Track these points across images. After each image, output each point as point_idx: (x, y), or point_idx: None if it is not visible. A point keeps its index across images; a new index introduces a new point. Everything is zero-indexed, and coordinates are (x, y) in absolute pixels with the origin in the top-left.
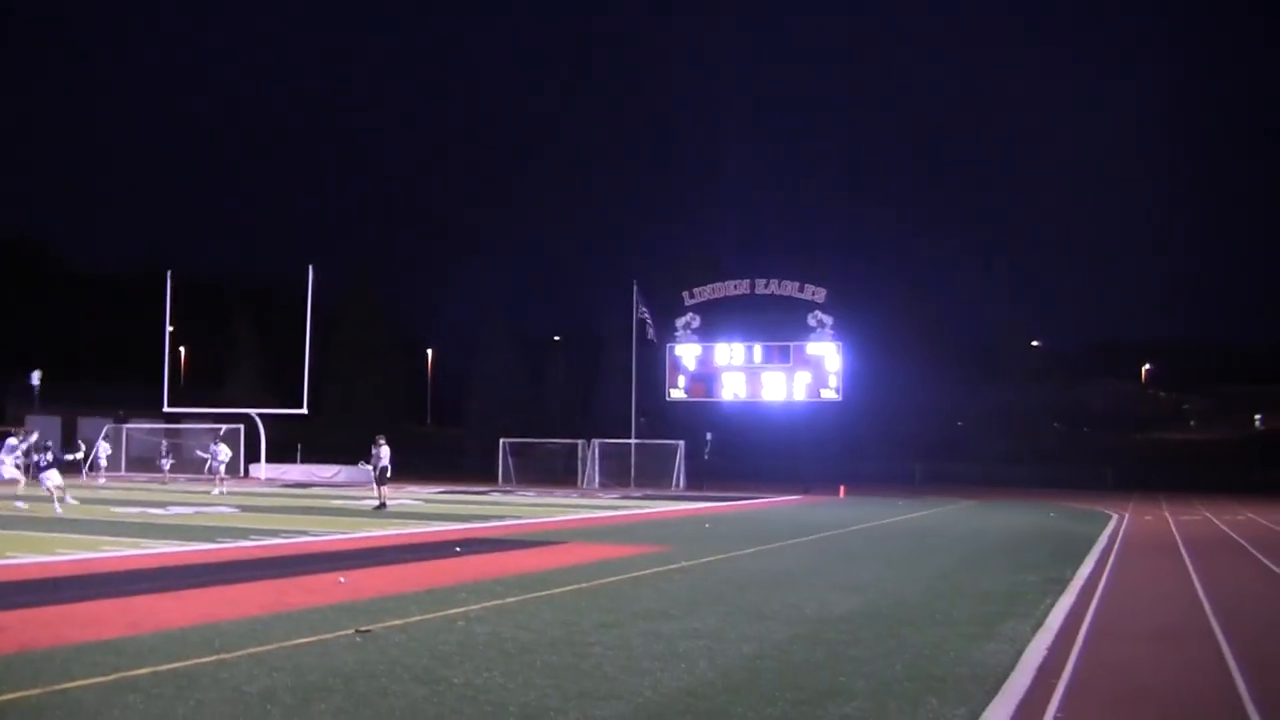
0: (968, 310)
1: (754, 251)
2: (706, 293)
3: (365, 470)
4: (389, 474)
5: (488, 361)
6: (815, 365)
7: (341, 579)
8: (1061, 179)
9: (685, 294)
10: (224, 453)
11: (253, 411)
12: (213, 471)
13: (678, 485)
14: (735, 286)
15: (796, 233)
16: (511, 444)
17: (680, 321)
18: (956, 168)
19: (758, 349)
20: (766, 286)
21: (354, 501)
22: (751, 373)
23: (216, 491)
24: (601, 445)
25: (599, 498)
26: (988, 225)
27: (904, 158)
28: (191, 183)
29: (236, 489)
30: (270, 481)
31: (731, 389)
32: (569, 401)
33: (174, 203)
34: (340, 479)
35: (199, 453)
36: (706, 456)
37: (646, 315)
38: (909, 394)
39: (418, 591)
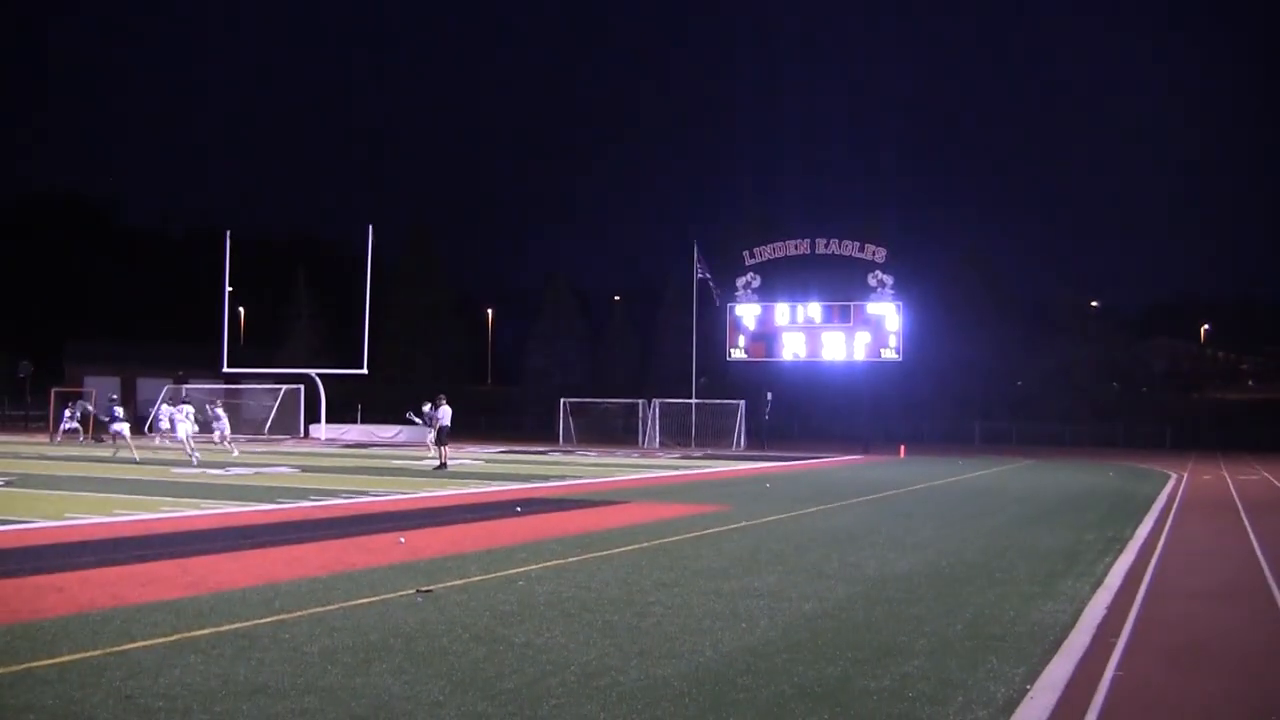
0: (1027, 269)
1: (814, 211)
2: (767, 252)
3: (423, 430)
4: (448, 432)
5: (548, 321)
6: (875, 325)
7: (401, 539)
8: (1124, 136)
9: (746, 254)
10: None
11: (312, 372)
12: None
13: (738, 445)
14: (795, 246)
15: (856, 192)
16: (572, 404)
17: (740, 281)
18: (1017, 125)
19: (817, 309)
20: (826, 246)
21: (414, 462)
22: (811, 332)
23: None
24: (662, 405)
25: (659, 457)
26: (1048, 183)
27: (966, 115)
28: (253, 140)
29: (297, 448)
30: (330, 442)
31: (791, 349)
32: (629, 361)
33: (235, 161)
34: (401, 439)
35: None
36: (766, 416)
37: (707, 275)
38: (968, 354)
39: (477, 551)
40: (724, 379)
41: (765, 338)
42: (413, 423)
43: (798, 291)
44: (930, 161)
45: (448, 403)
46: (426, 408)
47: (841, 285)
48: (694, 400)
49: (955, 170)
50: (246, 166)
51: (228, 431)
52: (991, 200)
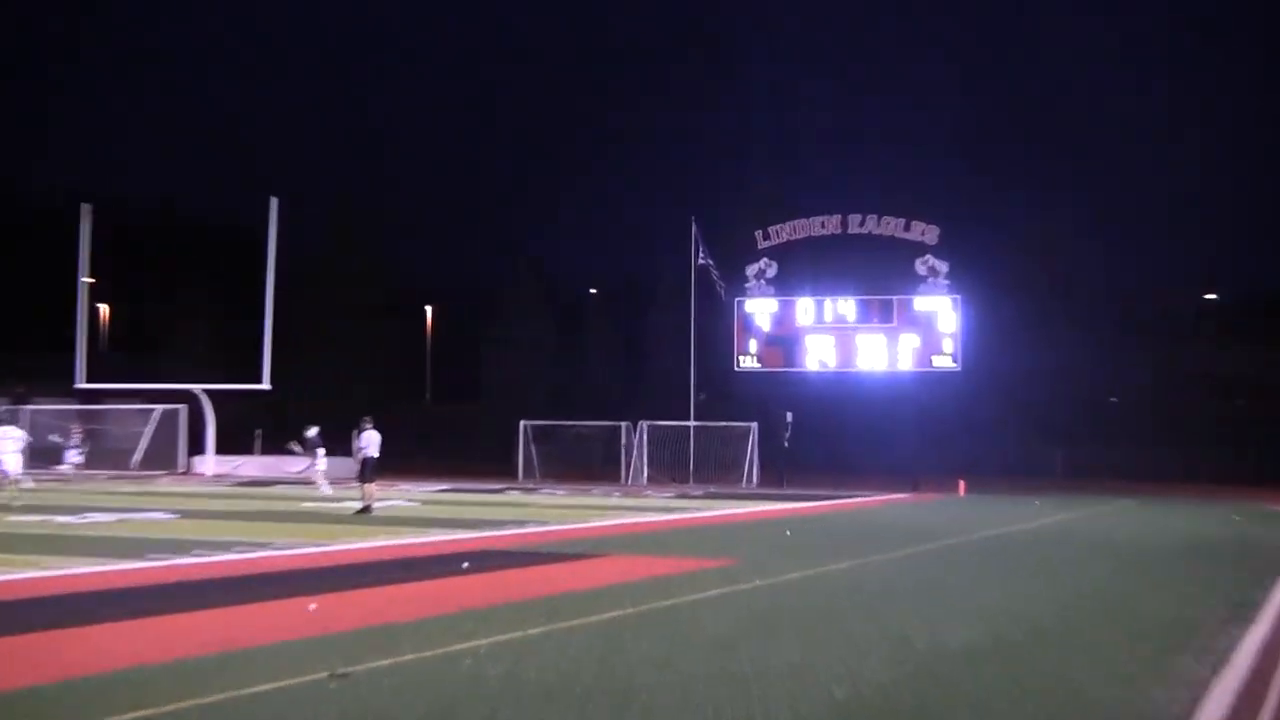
0: (1123, 255)
1: (846, 181)
2: (785, 232)
3: (336, 460)
4: (375, 467)
5: (506, 322)
6: (925, 325)
7: (311, 606)
8: (1238, 100)
9: (759, 234)
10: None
11: (197, 388)
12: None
13: (749, 480)
14: (823, 224)
15: (900, 157)
16: (535, 427)
17: (752, 269)
18: (1098, 83)
19: (851, 305)
20: (862, 224)
21: (330, 504)
22: (843, 335)
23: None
24: (651, 429)
25: (648, 496)
26: (1141, 154)
27: (1032, 69)
28: (126, 94)
29: (175, 488)
30: (221, 478)
31: (817, 356)
32: (609, 373)
33: (99, 118)
34: (316, 473)
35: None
36: (786, 443)
37: (709, 262)
38: (1047, 362)
39: (411, 622)
40: (731, 395)
41: (784, 342)
42: (292, 453)
43: (825, 282)
44: (994, 120)
45: (374, 427)
46: (311, 432)
47: (882, 274)
48: (692, 422)
49: (1025, 129)
50: (115, 123)
51: (13, 470)
52: (1070, 170)
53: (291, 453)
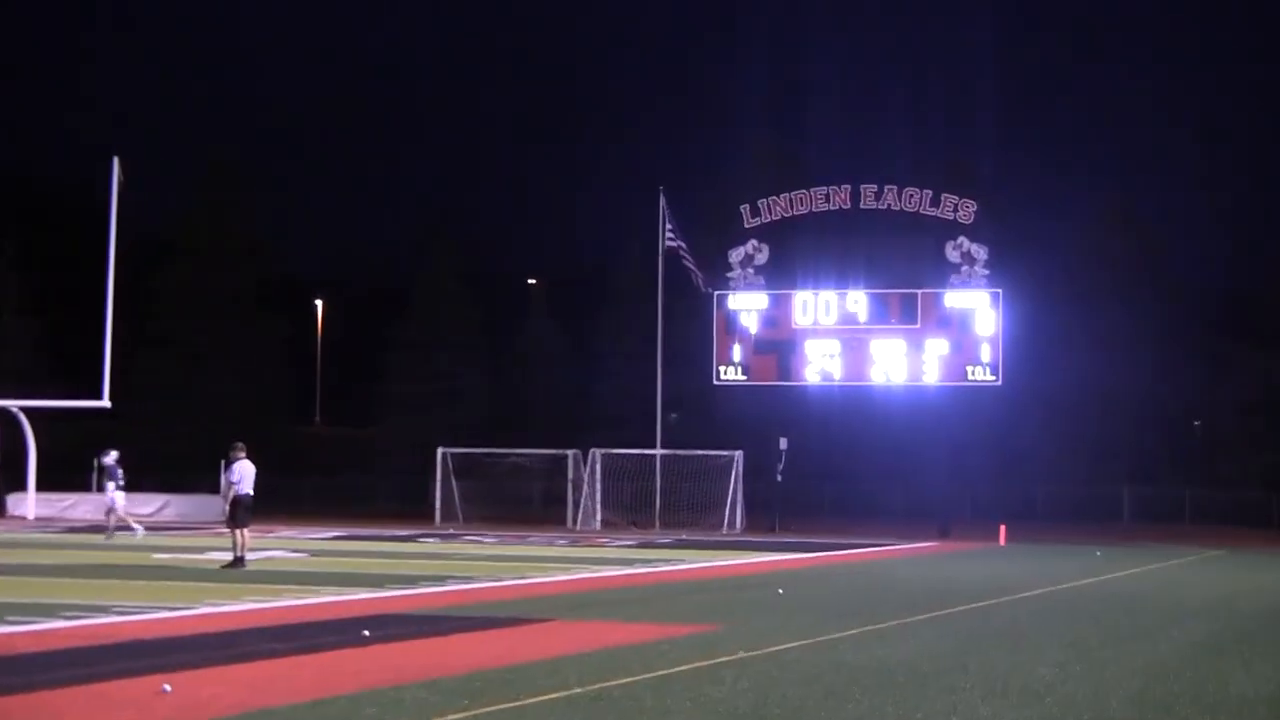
0: (1214, 242)
1: (857, 145)
2: (780, 207)
3: (195, 499)
4: (249, 507)
5: (420, 319)
6: (958, 326)
7: (166, 687)
8: None
9: (745, 210)
10: None
11: (12, 405)
12: None
13: (732, 525)
14: (827, 197)
15: (927, 116)
16: (458, 456)
17: (736, 255)
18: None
19: (863, 300)
20: (879, 198)
21: (190, 556)
22: (853, 339)
23: None
24: (607, 459)
25: (602, 545)
26: (1234, 100)
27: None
28: None
29: None
30: (45, 522)
31: (819, 366)
32: (554, 386)
33: None
34: (169, 514)
35: None
36: (780, 477)
37: (680, 244)
38: (1113, 376)
39: (296, 705)
40: (710, 415)
41: (776, 348)
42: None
43: (831, 271)
44: (1043, 71)
45: (249, 456)
46: (108, 458)
47: (904, 261)
48: (659, 451)
49: (1086, 83)
50: None
51: None
52: (1150, 135)
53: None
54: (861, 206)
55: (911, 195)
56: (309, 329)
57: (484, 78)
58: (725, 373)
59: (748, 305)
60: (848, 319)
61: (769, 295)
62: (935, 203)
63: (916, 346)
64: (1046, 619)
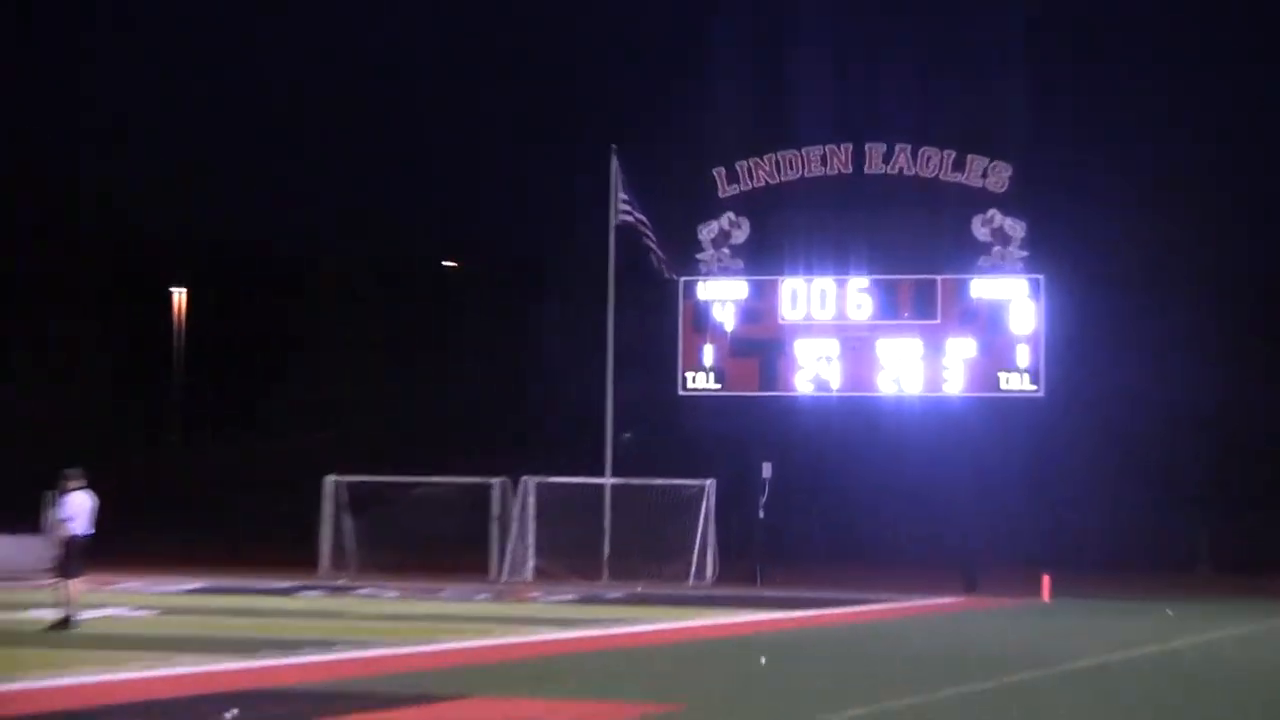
0: None
1: (862, 98)
2: (764, 172)
3: (14, 542)
4: (85, 552)
5: (307, 313)
6: (988, 323)
7: None
8: None
9: (720, 175)
10: None
11: None
12: None
13: (700, 573)
14: (824, 159)
15: (949, 57)
16: (353, 486)
17: (709, 231)
18: None
19: (868, 289)
20: (889, 161)
21: (4, 615)
22: (856, 338)
23: None
24: (543, 490)
25: (535, 600)
26: None
27: None
28: None
29: None
30: None
31: (813, 371)
32: (477, 398)
33: None
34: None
35: None
36: (763, 513)
37: (637, 217)
38: (1187, 387)
39: None
40: (673, 434)
41: (759, 348)
42: None
43: (827, 253)
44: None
45: (87, 486)
46: None
47: (920, 241)
48: (609, 480)
49: (1149, 18)
50: None
51: None
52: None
53: None
54: (866, 171)
55: (929, 157)
56: (164, 323)
57: (384, 21)
58: (693, 380)
59: (723, 295)
60: (849, 313)
61: (749, 283)
62: (959, 166)
63: (935, 348)
64: (1101, 700)
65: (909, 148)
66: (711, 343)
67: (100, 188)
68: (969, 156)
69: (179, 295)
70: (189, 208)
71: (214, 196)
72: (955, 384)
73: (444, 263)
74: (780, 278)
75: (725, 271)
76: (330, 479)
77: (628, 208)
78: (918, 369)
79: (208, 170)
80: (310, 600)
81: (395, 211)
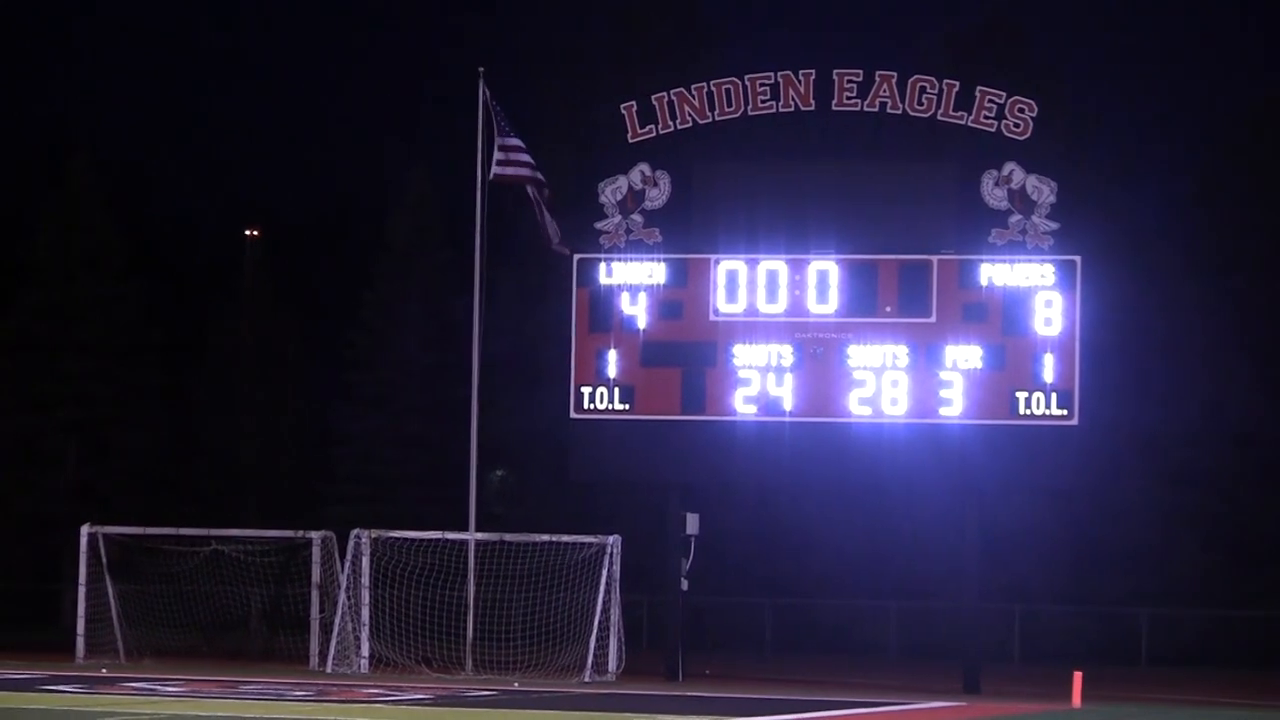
0: None
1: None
2: (691, 108)
3: None
4: None
5: (36, 301)
6: (1004, 322)
7: None
8: None
9: (627, 112)
10: None
11: None
12: None
13: (600, 666)
14: (774, 90)
15: None
16: (116, 540)
17: (613, 190)
18: None
19: (834, 273)
20: (866, 93)
21: None
22: (817, 339)
23: None
24: (381, 546)
25: (370, 701)
26: None
27: None
28: None
29: None
30: None
31: (757, 387)
32: (286, 422)
33: None
34: None
35: None
36: (685, 583)
37: (520, 172)
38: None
39: None
40: (562, 473)
41: (683, 354)
42: None
43: (779, 223)
44: None
45: None
46: None
47: (908, 206)
48: (473, 535)
49: None
50: None
51: None
52: None
53: None
54: (835, 108)
55: (924, 88)
56: None
57: None
58: (592, 399)
59: (633, 279)
60: (808, 307)
61: (670, 262)
62: (965, 102)
63: (929, 356)
64: None
65: (894, 76)
66: (616, 346)
67: None
68: (978, 89)
69: None
70: None
71: None
72: (955, 406)
73: (248, 232)
74: (713, 256)
75: (636, 247)
76: (86, 530)
77: (503, 156)
78: (903, 386)
79: None
80: (59, 699)
81: (162, 160)
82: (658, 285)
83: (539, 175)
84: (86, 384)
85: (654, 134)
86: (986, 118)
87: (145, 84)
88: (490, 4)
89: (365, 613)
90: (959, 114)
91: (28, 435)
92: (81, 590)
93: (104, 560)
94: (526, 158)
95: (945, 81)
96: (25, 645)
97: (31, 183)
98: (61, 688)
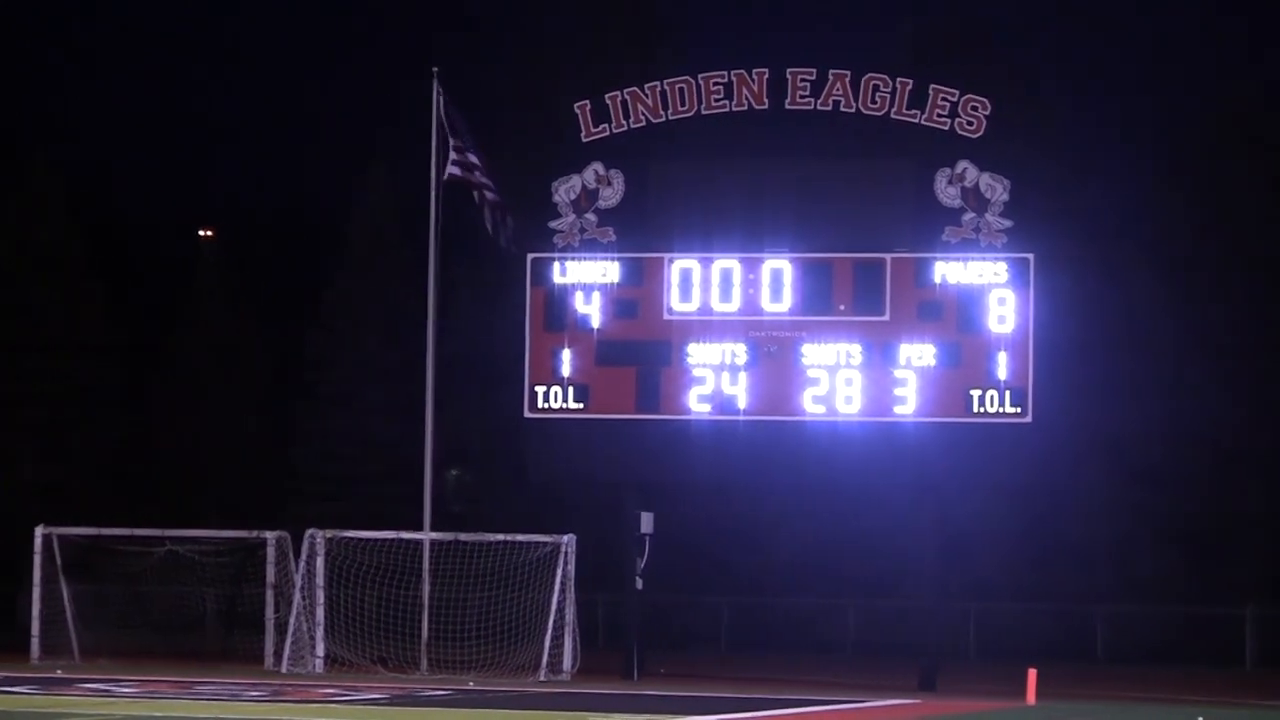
0: None
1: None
2: (645, 107)
3: None
4: None
5: (1, 309)
6: (959, 320)
7: None
8: None
9: (581, 111)
10: None
11: None
12: None
13: (556, 665)
14: (728, 89)
15: None
16: (71, 541)
17: (567, 189)
18: None
19: (788, 272)
20: (819, 92)
21: None
22: (770, 337)
23: None
24: (335, 546)
25: (325, 701)
26: None
27: None
28: None
29: None
30: None
31: (711, 385)
32: (241, 421)
33: None
34: None
35: None
36: (641, 581)
37: (471, 173)
38: (1230, 409)
39: None
40: (517, 473)
41: (635, 354)
42: None
43: (733, 222)
44: None
45: None
46: None
47: (863, 205)
48: (427, 534)
49: None
50: None
51: None
52: None
53: None
54: (789, 107)
55: (878, 87)
56: None
57: None
58: (546, 397)
59: (587, 278)
60: (761, 305)
61: (624, 261)
62: (919, 100)
63: (883, 354)
64: None
65: (848, 74)
66: (570, 346)
67: None
68: (931, 87)
69: None
70: None
71: None
72: (909, 404)
73: (201, 232)
74: (666, 255)
75: (590, 246)
76: (42, 530)
77: (458, 155)
78: (856, 384)
79: None
80: (15, 700)
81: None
82: (612, 284)
83: (486, 180)
84: (45, 383)
85: (608, 133)
86: (940, 116)
87: (105, 84)
88: (446, 1)
89: (320, 612)
90: (912, 112)
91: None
92: (36, 591)
93: (58, 561)
94: (475, 159)
95: (899, 80)
96: None
97: None
98: (16, 689)
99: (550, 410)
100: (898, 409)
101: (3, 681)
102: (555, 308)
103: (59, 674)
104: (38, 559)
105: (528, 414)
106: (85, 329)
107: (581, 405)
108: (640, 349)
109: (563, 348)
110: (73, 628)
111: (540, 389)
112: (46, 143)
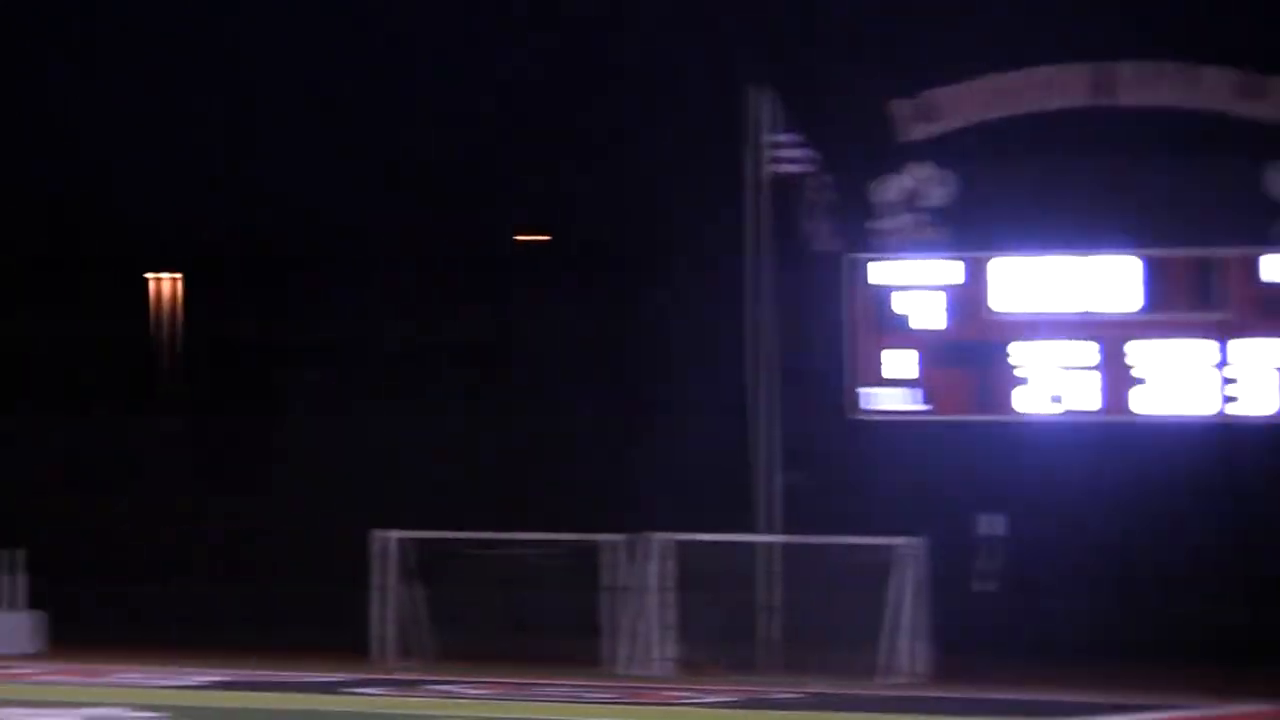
0: None
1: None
2: (968, 105)
3: None
4: None
5: (313, 305)
6: None
7: None
8: None
9: (902, 111)
10: None
11: None
12: None
13: (892, 665)
14: (1049, 85)
15: None
16: (416, 544)
17: (888, 191)
18: None
19: (1120, 268)
20: (1150, 85)
21: None
22: (1104, 338)
23: None
24: (679, 550)
25: (670, 703)
26: None
27: None
28: None
29: None
30: None
31: (1038, 387)
32: (578, 425)
33: None
34: None
35: None
36: (989, 585)
37: (804, 167)
38: None
39: None
40: (848, 474)
41: (967, 356)
42: None
43: (1065, 215)
44: None
45: None
46: None
47: (1191, 200)
48: (774, 537)
49: None
50: None
51: None
52: None
53: None
54: (1114, 103)
55: (1212, 78)
56: (140, 312)
57: None
58: (871, 398)
59: (904, 278)
60: (1093, 303)
61: (948, 260)
62: (1257, 90)
63: (1223, 350)
64: None
65: (1177, 68)
66: (897, 345)
67: None
68: (1270, 79)
69: (165, 283)
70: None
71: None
72: (1249, 402)
73: (514, 237)
74: (992, 254)
75: (913, 246)
76: (383, 534)
77: (779, 153)
78: (1199, 380)
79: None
80: (364, 701)
81: (438, 173)
82: (943, 282)
83: (813, 166)
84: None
85: (930, 132)
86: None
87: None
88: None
89: (665, 614)
90: (1256, 99)
91: (327, 448)
92: (381, 593)
93: (405, 564)
94: (800, 155)
95: (1238, 71)
96: (329, 648)
97: None
98: (366, 690)
99: (878, 410)
100: (1243, 406)
101: (353, 683)
102: (876, 304)
103: (407, 675)
104: (377, 561)
105: (852, 416)
106: (407, 331)
107: (914, 406)
108: (971, 349)
109: (882, 345)
110: (425, 630)
111: (865, 390)
112: None
